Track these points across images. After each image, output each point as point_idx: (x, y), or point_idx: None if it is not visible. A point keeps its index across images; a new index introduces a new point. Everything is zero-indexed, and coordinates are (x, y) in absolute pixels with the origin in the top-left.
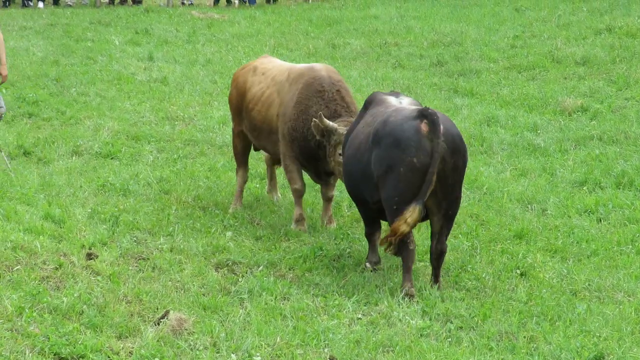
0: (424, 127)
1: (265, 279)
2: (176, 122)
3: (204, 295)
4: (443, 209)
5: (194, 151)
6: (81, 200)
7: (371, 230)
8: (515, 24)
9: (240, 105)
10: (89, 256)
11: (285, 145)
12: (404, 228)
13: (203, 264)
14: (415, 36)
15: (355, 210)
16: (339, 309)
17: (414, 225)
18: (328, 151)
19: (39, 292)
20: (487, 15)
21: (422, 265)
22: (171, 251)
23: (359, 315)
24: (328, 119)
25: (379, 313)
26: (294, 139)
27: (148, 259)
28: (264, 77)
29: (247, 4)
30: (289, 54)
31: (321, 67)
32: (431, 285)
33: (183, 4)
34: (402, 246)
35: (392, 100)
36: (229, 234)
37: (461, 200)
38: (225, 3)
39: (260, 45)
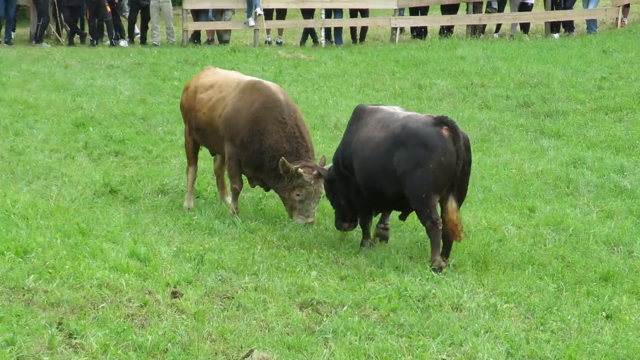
0: (445, 132)
1: (349, 318)
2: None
3: (288, 334)
4: (460, 193)
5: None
6: (166, 239)
7: (366, 220)
8: (602, 66)
9: (188, 109)
10: (174, 294)
11: (231, 148)
12: (456, 217)
13: (287, 303)
14: (502, 77)
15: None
16: (423, 349)
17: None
18: (284, 187)
19: (124, 329)
20: (574, 56)
21: (507, 306)
22: (256, 290)
23: (444, 356)
24: (288, 154)
25: (464, 354)
26: (246, 149)
27: (233, 297)
28: (210, 87)
29: (334, 44)
30: (375, 94)
31: (277, 90)
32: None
33: (269, 43)
34: (432, 227)
35: (387, 108)
36: (313, 273)
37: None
38: (312, 43)
39: (347, 85)
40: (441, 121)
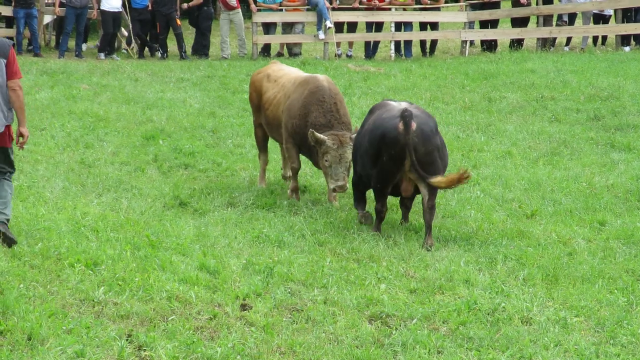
0: (400, 125)
1: (418, 332)
2: None
3: (357, 347)
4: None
5: (349, 203)
6: (236, 251)
7: (381, 207)
8: None
9: (258, 104)
10: (243, 307)
11: (287, 135)
12: (439, 180)
13: (356, 316)
14: (572, 90)
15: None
16: None
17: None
18: (318, 156)
19: (193, 342)
20: None
21: (577, 320)
22: (325, 303)
23: None
24: (323, 126)
25: None
26: (296, 133)
27: (302, 310)
28: (275, 84)
29: (403, 57)
30: (444, 107)
31: (323, 78)
32: (425, 239)
33: (339, 56)
34: (379, 211)
35: (393, 104)
36: (382, 286)
37: (444, 172)
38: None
39: (416, 99)
40: (400, 114)
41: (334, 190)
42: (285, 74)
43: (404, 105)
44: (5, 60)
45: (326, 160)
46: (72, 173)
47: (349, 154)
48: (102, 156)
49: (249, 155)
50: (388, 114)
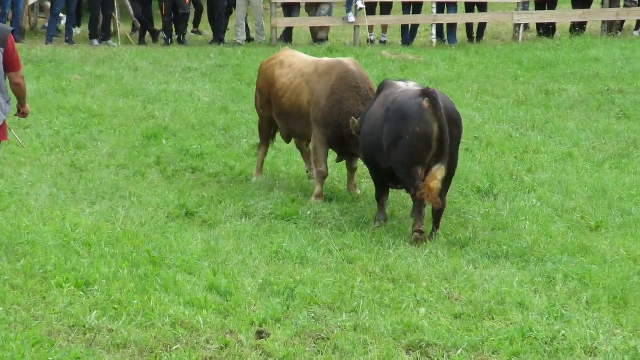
0: (425, 103)
1: None
2: (362, 180)
3: None
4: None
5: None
6: (251, 270)
7: (381, 194)
8: None
9: (269, 95)
10: (260, 334)
11: (317, 130)
12: (435, 183)
13: (392, 345)
14: None
15: None
16: None
17: (442, 181)
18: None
19: None
20: None
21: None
22: (355, 330)
23: None
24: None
25: None
26: (328, 124)
27: (328, 338)
28: (290, 70)
29: (447, 43)
30: (495, 102)
31: (350, 62)
32: (432, 231)
33: (371, 42)
34: (416, 195)
35: (400, 84)
36: (422, 310)
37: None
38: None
39: (462, 91)
40: (424, 92)
41: None
42: (301, 59)
43: (411, 84)
44: (3, 49)
45: None
46: (61, 178)
47: None
48: (95, 158)
49: (266, 157)
50: (405, 94)
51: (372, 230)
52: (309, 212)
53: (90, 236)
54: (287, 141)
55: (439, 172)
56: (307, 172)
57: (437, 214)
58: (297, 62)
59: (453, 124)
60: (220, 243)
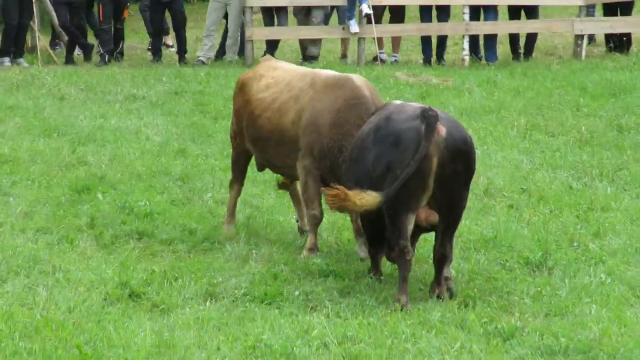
0: (422, 127)
1: None
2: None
3: None
4: (445, 213)
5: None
6: None
7: (375, 250)
8: None
9: (244, 115)
10: None
11: (310, 161)
12: (348, 203)
13: None
14: None
15: None
16: None
17: (360, 208)
18: None
19: None
20: None
21: None
22: None
23: None
24: None
25: None
26: (326, 156)
27: None
28: (273, 83)
29: (483, 61)
30: (549, 141)
31: (362, 84)
32: (430, 290)
33: (381, 61)
34: (400, 255)
35: (399, 103)
36: None
37: (466, 204)
38: (443, 60)
39: (504, 127)
40: (422, 114)
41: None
42: (288, 70)
43: (415, 105)
44: None
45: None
46: None
47: None
48: (6, 220)
49: (239, 216)
50: (400, 115)
51: (381, 317)
52: (296, 293)
53: None
54: (260, 170)
55: (368, 197)
56: (297, 221)
57: (438, 263)
58: (281, 74)
59: (459, 158)
60: (176, 335)
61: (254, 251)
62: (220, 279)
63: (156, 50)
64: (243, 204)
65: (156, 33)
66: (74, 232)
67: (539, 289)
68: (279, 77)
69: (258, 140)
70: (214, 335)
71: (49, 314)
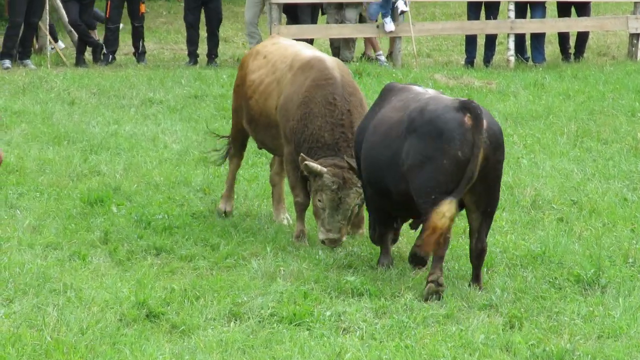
0: (467, 120)
1: None
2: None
3: None
4: (482, 206)
5: (439, 314)
6: None
7: (385, 231)
8: None
9: (240, 94)
10: None
11: (288, 148)
12: (443, 222)
13: None
14: None
15: None
16: None
17: (452, 219)
18: (310, 189)
19: None
20: None
21: None
22: None
23: None
24: (325, 146)
25: None
26: (298, 142)
27: None
28: (265, 63)
29: (530, 62)
30: (601, 149)
31: (334, 65)
32: (470, 285)
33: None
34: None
35: (418, 88)
36: None
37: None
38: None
39: (552, 133)
40: (464, 106)
41: (323, 242)
42: (280, 49)
43: (431, 91)
44: None
45: (319, 201)
46: None
47: (352, 199)
48: (13, 234)
49: (265, 229)
50: (437, 106)
51: (419, 339)
52: (328, 313)
53: (7, 348)
54: (260, 148)
55: (448, 207)
56: (276, 217)
57: (477, 259)
58: (274, 53)
59: (499, 150)
60: (197, 359)
61: (281, 268)
62: (245, 298)
63: (191, 52)
64: (269, 219)
65: (190, 34)
66: (86, 248)
67: (591, 308)
68: (270, 57)
69: (251, 121)
70: (239, 359)
71: (60, 336)
